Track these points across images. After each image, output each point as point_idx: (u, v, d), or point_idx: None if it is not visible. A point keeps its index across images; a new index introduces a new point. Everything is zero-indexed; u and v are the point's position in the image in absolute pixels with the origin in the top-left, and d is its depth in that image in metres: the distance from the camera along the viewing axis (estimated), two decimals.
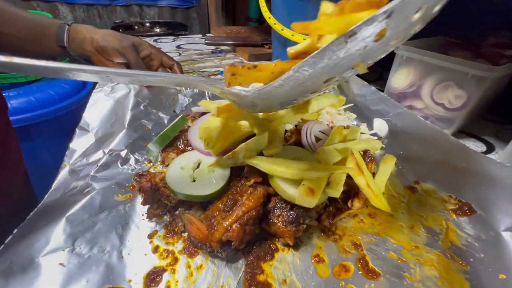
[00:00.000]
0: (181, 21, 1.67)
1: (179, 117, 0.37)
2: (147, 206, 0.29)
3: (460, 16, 0.58)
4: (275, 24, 0.60)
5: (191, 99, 0.51)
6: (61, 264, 0.23)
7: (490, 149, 0.44)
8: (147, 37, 1.02)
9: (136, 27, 1.50)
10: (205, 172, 0.29)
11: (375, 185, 0.27)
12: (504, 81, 0.46)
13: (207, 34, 1.08)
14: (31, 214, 0.28)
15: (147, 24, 1.52)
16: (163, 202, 0.29)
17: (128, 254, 0.25)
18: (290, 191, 0.25)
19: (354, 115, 0.48)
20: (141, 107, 0.46)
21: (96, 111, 0.43)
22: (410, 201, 0.32)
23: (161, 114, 0.46)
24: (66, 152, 0.36)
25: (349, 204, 0.29)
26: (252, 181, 0.27)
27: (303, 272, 0.24)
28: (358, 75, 0.69)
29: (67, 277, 0.22)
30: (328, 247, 0.27)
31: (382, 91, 0.53)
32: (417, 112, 0.48)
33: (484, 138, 0.47)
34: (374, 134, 0.43)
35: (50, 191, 0.31)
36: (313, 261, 0.25)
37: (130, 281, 0.23)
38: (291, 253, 0.26)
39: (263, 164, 0.26)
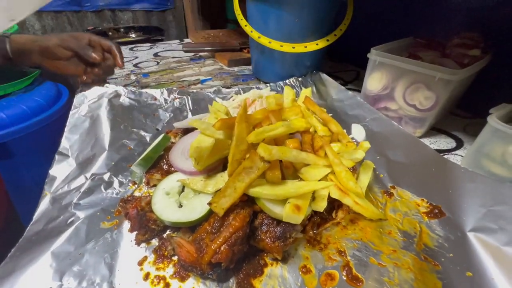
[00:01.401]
0: (157, 24, 1.63)
1: (162, 136, 0.37)
2: (134, 233, 0.29)
3: (427, 18, 0.61)
4: (251, 32, 0.60)
5: (172, 114, 0.50)
6: None
7: (459, 144, 0.48)
8: (123, 45, 0.99)
9: (110, 33, 1.46)
10: (191, 195, 0.29)
11: (359, 198, 0.29)
12: (469, 79, 0.49)
13: (185, 40, 1.07)
14: (13, 250, 0.27)
15: (122, 30, 1.48)
16: (151, 227, 0.29)
17: (119, 284, 0.25)
18: (277, 210, 0.26)
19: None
20: (121, 126, 0.45)
21: (74, 133, 0.42)
22: (387, 206, 0.34)
23: (142, 133, 0.45)
24: (46, 180, 0.36)
25: (333, 215, 0.30)
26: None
27: (292, 285, 0.26)
28: (336, 76, 0.71)
29: None
30: (314, 257, 0.28)
31: (359, 91, 0.55)
32: (392, 113, 0.50)
33: (453, 134, 0.50)
34: (352, 139, 0.45)
35: (32, 222, 0.31)
36: (300, 272, 0.27)
37: None
38: (279, 267, 0.27)
39: (250, 188, 0.27)
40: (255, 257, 0.28)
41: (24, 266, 0.26)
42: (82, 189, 0.35)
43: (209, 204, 0.27)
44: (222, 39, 0.97)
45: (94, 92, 0.50)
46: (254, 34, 0.59)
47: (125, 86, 0.55)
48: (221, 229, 0.26)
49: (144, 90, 0.54)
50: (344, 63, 0.83)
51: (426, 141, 0.48)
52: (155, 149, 0.35)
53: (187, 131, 0.43)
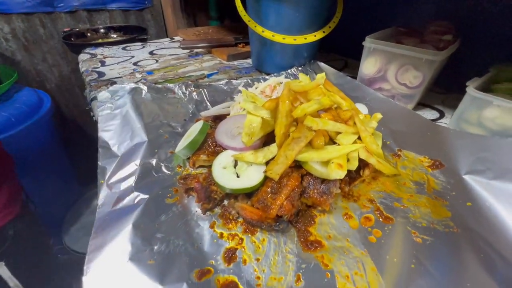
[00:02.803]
0: (136, 24, 1.60)
1: (201, 123, 0.41)
2: (198, 204, 0.34)
3: (406, 9, 0.70)
4: (255, 26, 0.65)
5: (194, 105, 0.54)
6: (150, 261, 0.27)
7: (442, 115, 0.57)
8: (109, 45, 0.98)
9: (88, 34, 1.41)
10: (245, 167, 0.34)
11: (383, 161, 0.36)
12: (444, 60, 0.58)
13: (175, 38, 1.08)
14: (93, 229, 0.30)
15: (101, 30, 1.44)
16: (213, 197, 0.34)
17: (200, 243, 0.30)
18: (322, 170, 0.32)
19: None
20: (151, 119, 0.48)
21: (109, 128, 0.45)
22: (398, 165, 0.41)
23: (173, 123, 0.49)
24: (98, 170, 0.38)
25: (361, 173, 0.37)
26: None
27: (340, 227, 0.32)
28: (328, 64, 0.79)
29: (160, 270, 0.27)
30: (351, 207, 0.35)
31: (352, 77, 0.63)
32: (386, 93, 0.59)
33: (435, 107, 0.60)
34: None
35: (98, 206, 0.34)
36: (344, 218, 0.33)
37: (212, 262, 0.28)
38: (327, 216, 0.33)
39: (299, 155, 0.33)
40: (306, 212, 0.34)
41: (113, 238, 0.29)
42: (135, 175, 0.38)
43: (265, 172, 0.33)
44: (214, 35, 1.01)
45: (115, 90, 0.52)
46: (258, 28, 0.64)
47: (136, 83, 0.57)
48: (279, 190, 0.32)
49: (161, 86, 0.57)
50: (332, 53, 0.91)
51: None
52: (200, 135, 0.39)
53: (216, 118, 0.47)
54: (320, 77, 0.43)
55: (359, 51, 0.59)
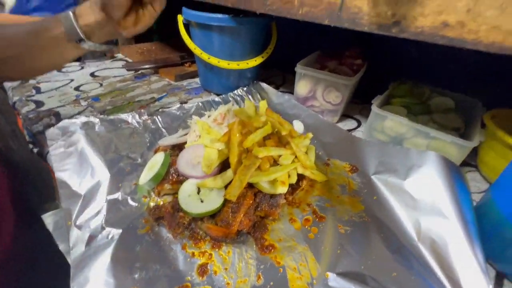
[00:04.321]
0: None
1: (162, 155, 0.46)
2: (169, 230, 0.39)
3: (327, 37, 0.84)
4: (201, 54, 0.71)
5: (150, 134, 0.57)
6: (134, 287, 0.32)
7: (359, 124, 0.72)
8: None
9: None
10: (208, 192, 0.41)
11: (313, 170, 0.46)
12: (357, 80, 0.73)
13: (118, 55, 1.05)
14: (72, 270, 0.33)
15: None
16: (181, 222, 0.39)
17: (176, 264, 0.35)
18: (270, 187, 0.41)
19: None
20: (110, 153, 0.50)
21: (66, 167, 0.46)
22: (328, 172, 0.52)
23: (131, 155, 0.52)
24: (62, 214, 0.40)
25: (300, 183, 0.47)
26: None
27: (287, 230, 0.41)
28: (270, 81, 0.89)
29: None
30: (295, 212, 0.44)
31: (290, 92, 0.74)
32: (316, 109, 0.71)
33: (354, 117, 0.75)
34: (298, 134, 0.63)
35: (71, 248, 0.36)
36: (290, 222, 0.42)
37: (188, 279, 0.34)
38: (277, 223, 0.42)
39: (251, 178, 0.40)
40: (260, 222, 0.42)
41: (94, 275, 0.32)
42: (103, 211, 0.41)
43: (224, 195, 0.39)
44: (159, 53, 1.02)
45: (65, 126, 0.53)
46: (204, 55, 0.70)
47: (79, 113, 0.58)
48: (238, 209, 0.39)
49: (114, 117, 0.58)
50: (272, 69, 1.01)
51: (340, 125, 0.70)
52: (162, 167, 0.44)
53: (173, 146, 0.52)
54: (263, 105, 0.52)
55: (293, 66, 0.70)
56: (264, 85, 0.77)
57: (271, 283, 0.34)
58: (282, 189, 0.41)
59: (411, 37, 0.39)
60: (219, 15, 0.63)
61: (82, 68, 0.92)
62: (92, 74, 0.88)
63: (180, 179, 0.44)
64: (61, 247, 0.61)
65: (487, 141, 0.52)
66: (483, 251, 0.34)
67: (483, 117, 0.53)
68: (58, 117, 0.64)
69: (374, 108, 0.58)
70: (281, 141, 0.47)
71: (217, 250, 0.38)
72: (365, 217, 0.43)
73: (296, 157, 0.46)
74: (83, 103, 0.71)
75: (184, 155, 0.45)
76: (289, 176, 0.44)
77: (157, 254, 0.36)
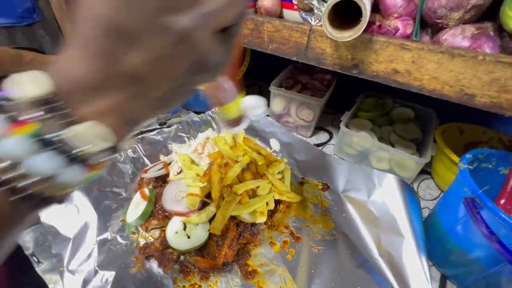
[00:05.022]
0: (26, 43, 1.37)
1: (148, 190, 0.48)
2: (159, 266, 0.42)
3: None
4: None
5: (132, 164, 0.59)
6: None
7: (331, 136, 0.77)
8: None
9: None
10: (193, 228, 0.44)
11: (289, 193, 0.51)
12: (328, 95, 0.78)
13: None
14: None
15: None
16: (171, 258, 0.43)
17: None
18: (250, 218, 0.45)
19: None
20: (94, 190, 0.52)
21: (51, 210, 0.47)
22: (303, 190, 0.58)
23: (115, 189, 0.53)
24: (53, 260, 0.42)
25: (278, 207, 0.51)
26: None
27: (267, 254, 0.46)
28: (247, 92, 0.91)
29: None
30: (274, 235, 0.49)
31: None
32: (291, 124, 0.75)
33: (327, 129, 0.80)
34: (273, 150, 0.67)
35: None
36: (270, 246, 0.47)
37: None
38: (258, 248, 0.46)
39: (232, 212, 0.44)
40: (243, 248, 0.46)
41: None
42: (94, 254, 0.43)
43: (209, 230, 0.43)
44: None
45: None
46: None
47: None
48: (222, 241, 0.43)
49: None
50: (247, 78, 1.04)
51: (314, 138, 0.75)
52: (149, 205, 0.46)
53: (157, 178, 0.54)
54: (241, 136, 0.55)
55: (269, 76, 0.73)
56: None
57: None
58: (262, 219, 0.45)
59: (369, 78, 0.44)
60: None
61: None
62: None
63: (166, 214, 0.47)
64: (43, 265, 0.62)
65: (438, 155, 0.59)
66: (428, 261, 0.42)
67: (434, 133, 0.60)
68: None
69: (342, 127, 0.63)
70: (258, 171, 0.51)
71: (205, 281, 0.42)
72: (335, 234, 0.49)
73: (273, 184, 0.50)
74: None
75: (168, 191, 0.48)
76: (267, 204, 0.48)
77: None
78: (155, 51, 0.15)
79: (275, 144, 0.68)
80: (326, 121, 0.82)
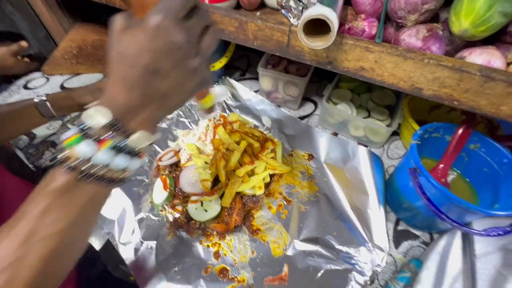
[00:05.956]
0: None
1: (168, 178, 0.60)
2: (187, 234, 0.57)
3: None
4: None
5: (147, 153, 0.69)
6: (178, 277, 0.51)
7: (316, 106, 0.86)
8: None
9: None
10: (209, 204, 0.57)
11: (280, 167, 0.63)
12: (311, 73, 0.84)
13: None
14: (134, 274, 0.51)
15: None
16: (195, 227, 0.57)
17: (198, 255, 0.54)
18: (251, 191, 0.58)
19: None
20: None
21: None
22: (292, 161, 0.70)
23: (138, 177, 0.65)
24: (108, 238, 0.56)
25: (273, 178, 0.64)
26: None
27: (267, 216, 0.60)
28: (235, 66, 0.96)
29: (186, 279, 0.51)
30: (271, 201, 0.62)
31: (256, 78, 0.84)
32: (279, 100, 0.83)
33: (312, 99, 0.88)
34: (266, 128, 0.77)
35: (126, 261, 0.53)
36: (268, 209, 0.61)
37: (209, 262, 0.53)
38: (259, 212, 0.60)
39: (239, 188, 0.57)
40: (248, 213, 0.60)
41: (150, 273, 0.51)
42: (137, 230, 0.57)
43: (221, 204, 0.56)
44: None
45: None
46: None
47: None
48: (232, 211, 0.57)
49: None
50: (237, 50, 1.06)
51: (300, 111, 0.84)
52: (171, 190, 0.59)
53: (171, 165, 0.65)
54: (235, 118, 0.64)
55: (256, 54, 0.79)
56: (233, 81, 0.86)
57: (261, 254, 0.55)
58: (260, 192, 0.58)
59: (341, 72, 0.52)
60: None
61: (48, 80, 0.92)
62: (62, 87, 0.89)
63: (185, 195, 0.59)
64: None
65: (404, 121, 0.70)
66: (386, 212, 0.56)
67: (402, 102, 0.70)
68: (55, 146, 0.72)
69: (324, 103, 0.72)
70: (254, 152, 0.62)
71: (223, 240, 0.57)
72: (319, 196, 0.62)
73: (267, 163, 0.62)
74: (71, 126, 0.77)
75: (184, 177, 0.60)
76: (263, 179, 0.61)
77: (184, 251, 0.55)
78: (178, 79, 0.25)
79: (266, 121, 0.77)
80: (312, 91, 0.89)
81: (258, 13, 0.62)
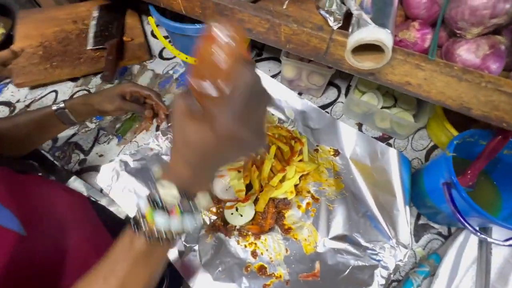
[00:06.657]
0: None
1: None
2: (225, 235, 0.61)
3: None
4: (179, 54, 0.71)
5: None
6: (223, 276, 0.57)
7: (339, 92, 0.82)
8: None
9: None
10: (243, 209, 0.60)
11: (308, 167, 0.64)
12: None
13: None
14: (184, 276, 0.57)
15: None
16: (231, 229, 0.61)
17: (237, 254, 0.60)
18: (283, 196, 0.61)
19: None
20: (149, 182, 0.65)
21: (129, 205, 0.62)
22: (318, 157, 0.70)
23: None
24: None
25: (301, 178, 0.66)
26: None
27: (296, 215, 0.64)
28: (251, 46, 0.89)
29: (230, 277, 0.57)
30: (299, 199, 0.65)
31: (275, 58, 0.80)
32: (302, 88, 0.79)
33: (335, 83, 0.84)
34: (291, 121, 0.75)
35: (173, 262, 0.59)
36: (297, 208, 0.64)
37: (248, 261, 0.59)
38: (290, 212, 0.64)
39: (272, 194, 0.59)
40: (279, 213, 0.64)
41: (195, 272, 0.57)
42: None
43: (255, 208, 0.59)
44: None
45: (105, 171, 0.64)
46: (182, 56, 0.71)
47: (96, 138, 0.68)
48: (265, 215, 0.60)
49: (138, 148, 0.68)
50: None
51: (323, 98, 0.81)
52: None
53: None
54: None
55: None
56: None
57: (294, 252, 0.60)
58: (292, 196, 0.61)
59: (382, 83, 0.49)
60: (198, 26, 0.61)
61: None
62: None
63: (219, 200, 0.62)
64: None
65: (434, 116, 0.68)
66: (410, 211, 0.60)
67: None
68: (80, 147, 0.72)
69: (351, 95, 0.69)
70: (284, 157, 0.62)
71: (258, 239, 0.62)
72: (345, 194, 0.65)
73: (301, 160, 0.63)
74: (91, 125, 0.75)
75: (217, 185, 0.61)
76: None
77: (224, 251, 0.60)
78: (236, 157, 0.30)
79: (290, 113, 0.75)
80: (335, 75, 0.84)
81: (286, 2, 0.55)
